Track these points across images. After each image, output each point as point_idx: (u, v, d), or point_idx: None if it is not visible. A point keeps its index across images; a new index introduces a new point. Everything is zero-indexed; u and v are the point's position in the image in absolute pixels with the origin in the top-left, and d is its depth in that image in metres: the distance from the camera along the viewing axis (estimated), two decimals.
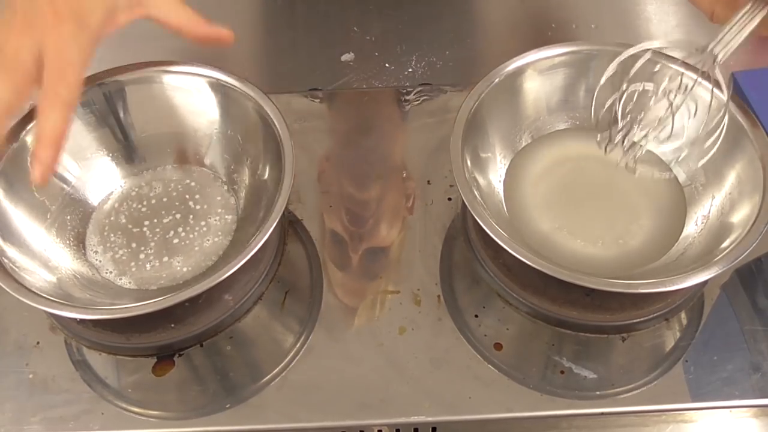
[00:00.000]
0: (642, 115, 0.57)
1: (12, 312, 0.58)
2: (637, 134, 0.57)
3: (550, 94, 0.63)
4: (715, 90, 0.55)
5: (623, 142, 0.57)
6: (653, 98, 0.56)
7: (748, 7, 0.53)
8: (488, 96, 0.60)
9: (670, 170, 0.61)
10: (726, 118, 0.55)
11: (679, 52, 0.56)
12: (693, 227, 0.58)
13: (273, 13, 0.80)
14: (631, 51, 0.56)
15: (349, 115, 0.70)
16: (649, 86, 0.57)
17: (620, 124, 0.57)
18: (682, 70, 0.57)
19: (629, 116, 0.57)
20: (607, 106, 0.58)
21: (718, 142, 0.56)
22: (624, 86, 0.56)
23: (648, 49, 0.56)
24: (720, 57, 0.54)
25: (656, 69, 0.58)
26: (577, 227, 0.59)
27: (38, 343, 0.57)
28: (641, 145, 0.57)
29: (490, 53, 0.76)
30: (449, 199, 0.63)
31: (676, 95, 0.56)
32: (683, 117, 0.56)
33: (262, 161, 0.60)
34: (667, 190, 0.61)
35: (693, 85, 0.56)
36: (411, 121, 0.69)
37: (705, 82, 0.56)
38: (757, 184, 0.55)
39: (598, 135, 0.59)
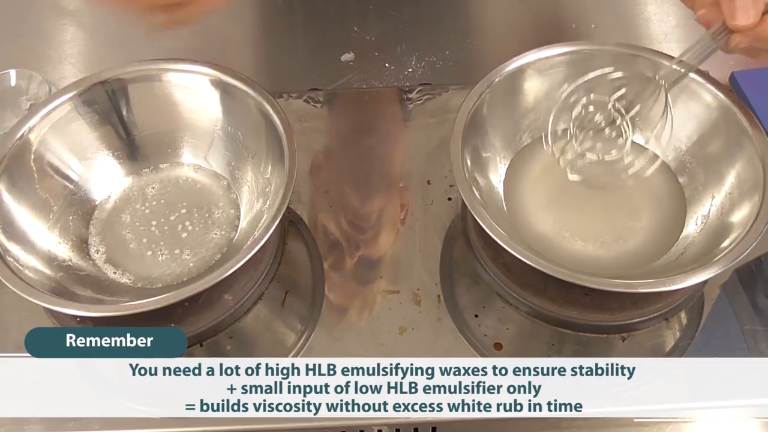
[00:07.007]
0: (592, 129, 0.59)
1: (12, 312, 0.58)
2: (583, 146, 0.58)
3: (550, 94, 0.63)
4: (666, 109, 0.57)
5: (574, 152, 0.59)
6: (602, 113, 0.58)
7: (703, 39, 0.53)
8: (488, 96, 0.60)
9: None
10: (668, 131, 0.57)
11: (634, 78, 0.57)
12: (693, 227, 0.58)
13: (273, 13, 0.80)
14: (589, 77, 0.58)
15: (349, 115, 0.70)
16: (600, 99, 0.58)
17: (573, 138, 0.58)
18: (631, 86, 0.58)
19: (581, 131, 0.59)
20: (561, 128, 0.60)
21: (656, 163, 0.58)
22: (578, 105, 0.58)
23: (603, 75, 0.57)
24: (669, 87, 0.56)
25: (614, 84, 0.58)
26: (577, 227, 0.59)
27: None
28: (587, 156, 0.58)
29: (490, 53, 0.76)
30: (449, 199, 0.63)
31: (624, 111, 0.57)
32: (628, 132, 0.57)
33: (264, 158, 0.60)
34: (667, 190, 0.61)
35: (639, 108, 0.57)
36: (411, 121, 0.69)
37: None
38: (757, 184, 0.55)
39: (552, 145, 0.59)
